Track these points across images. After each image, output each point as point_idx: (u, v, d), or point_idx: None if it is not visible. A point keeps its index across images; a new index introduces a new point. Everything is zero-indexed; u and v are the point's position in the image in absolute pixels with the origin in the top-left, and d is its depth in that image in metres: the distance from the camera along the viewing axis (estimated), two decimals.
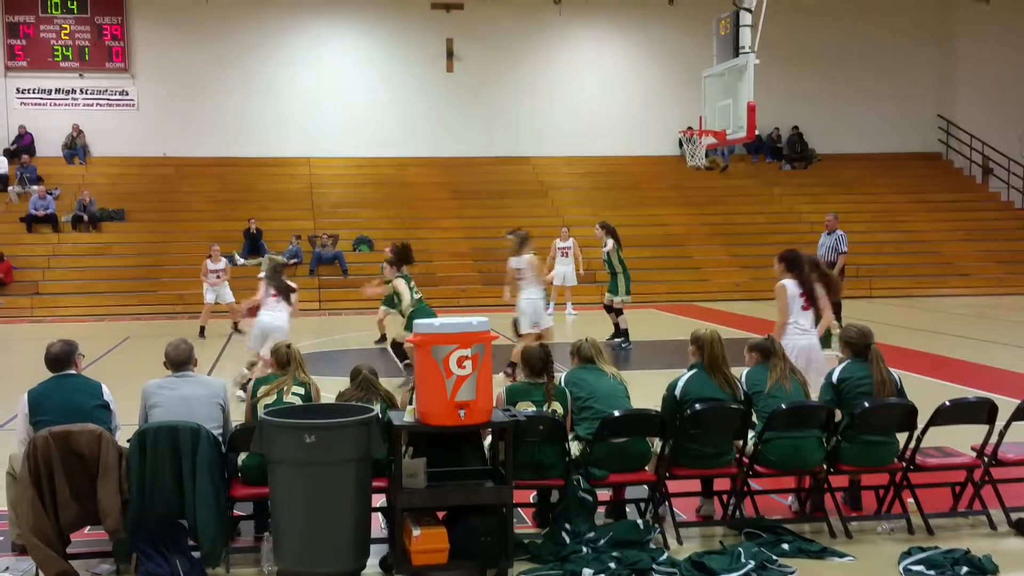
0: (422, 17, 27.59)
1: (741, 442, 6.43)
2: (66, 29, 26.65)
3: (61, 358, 6.07)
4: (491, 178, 27.21)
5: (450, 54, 27.94)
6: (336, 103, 27.40)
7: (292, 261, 22.12)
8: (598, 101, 28.48)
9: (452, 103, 27.88)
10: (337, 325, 18.07)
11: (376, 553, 5.73)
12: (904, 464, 6.49)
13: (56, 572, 5.46)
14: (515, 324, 12.22)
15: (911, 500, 6.51)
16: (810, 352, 7.82)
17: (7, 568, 5.81)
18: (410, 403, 5.87)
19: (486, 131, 27.86)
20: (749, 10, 12.44)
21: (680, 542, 6.10)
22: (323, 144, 27.22)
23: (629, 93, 28.71)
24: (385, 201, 25.97)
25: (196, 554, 5.66)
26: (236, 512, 6.22)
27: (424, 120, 27.78)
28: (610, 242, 15.16)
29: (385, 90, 27.79)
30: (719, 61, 13.11)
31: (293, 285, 11.60)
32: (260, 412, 5.93)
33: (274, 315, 11.05)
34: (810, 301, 7.98)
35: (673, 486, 6.41)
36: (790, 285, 7.95)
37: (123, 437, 5.88)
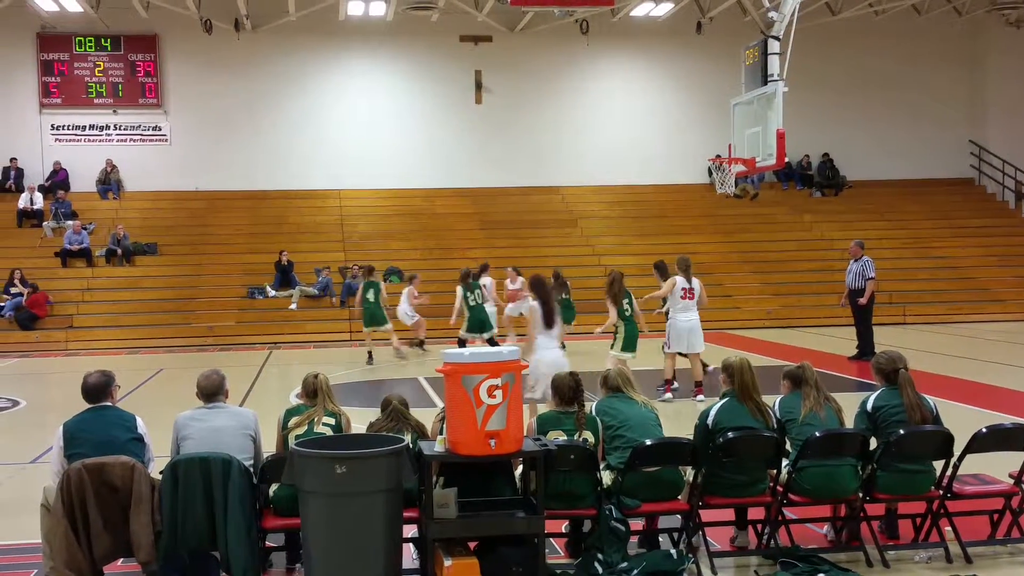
0: (451, 49, 27.81)
1: (775, 471, 6.36)
2: (100, 66, 27.07)
3: (98, 389, 6.11)
4: (520, 208, 27.29)
5: (479, 86, 28.12)
6: (366, 135, 27.62)
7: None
8: (627, 130, 28.54)
9: (481, 134, 28.03)
10: (379, 354, 18.06)
11: None
12: (941, 492, 6.40)
13: None
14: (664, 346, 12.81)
15: (948, 528, 6.42)
16: (557, 362, 9.08)
17: None
18: (440, 433, 5.86)
19: (515, 161, 27.97)
20: (777, 38, 12.48)
21: (714, 572, 6.04)
22: (353, 176, 27.42)
23: (658, 122, 28.75)
24: (414, 232, 26.09)
25: None
26: (268, 543, 6.22)
27: (453, 151, 27.95)
28: None
29: (414, 122, 28.00)
30: (747, 89, 13.15)
31: None
32: (291, 443, 5.95)
33: None
34: (551, 320, 9.59)
35: (706, 515, 6.35)
36: (536, 305, 9.56)
37: (156, 469, 5.92)
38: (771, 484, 6.36)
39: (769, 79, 12.36)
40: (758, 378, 6.46)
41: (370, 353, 17.23)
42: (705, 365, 12.81)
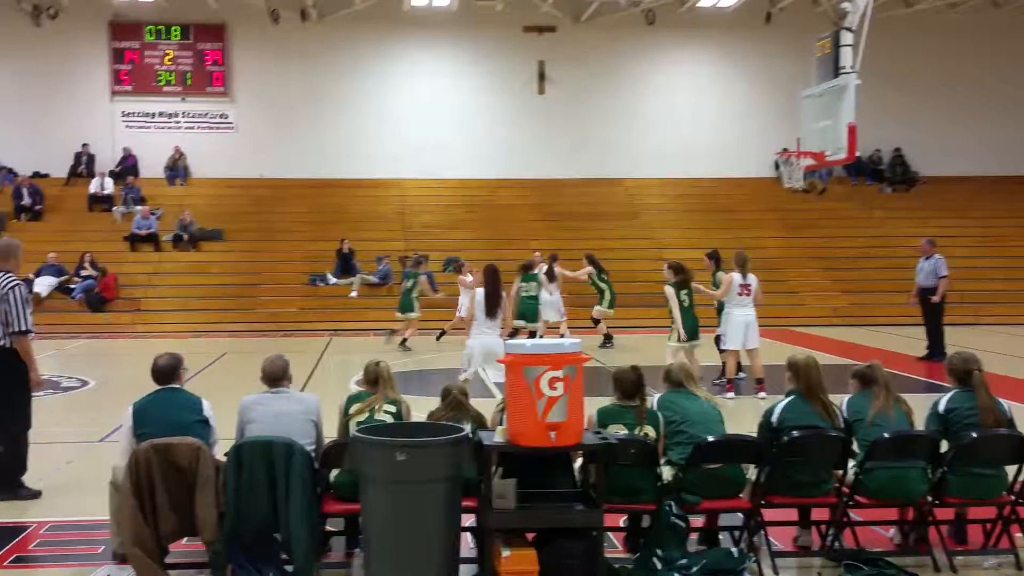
0: (514, 40, 27.77)
1: (841, 471, 6.24)
2: (169, 55, 27.52)
3: (168, 371, 6.24)
4: (582, 200, 27.18)
5: (542, 76, 28.06)
6: (428, 126, 27.73)
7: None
8: (692, 122, 28.29)
9: (543, 125, 27.98)
10: (426, 345, 18.16)
11: (465, 573, 5.71)
12: (1013, 497, 6.24)
13: None
14: (717, 340, 12.71)
15: (1020, 535, 6.27)
16: (488, 346, 10.03)
17: (108, 575, 5.94)
18: (500, 423, 5.84)
19: (577, 153, 27.87)
20: (851, 30, 12.23)
21: (776, 572, 5.94)
22: (415, 166, 27.54)
23: (724, 114, 28.44)
24: (475, 222, 26.13)
25: (289, 568, 5.71)
26: (328, 528, 6.26)
27: (515, 142, 27.93)
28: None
29: (477, 112, 28.03)
30: (818, 81, 12.92)
31: None
32: (352, 429, 5.99)
33: None
34: (493, 310, 10.15)
35: (769, 515, 6.25)
36: (479, 293, 10.19)
37: (221, 451, 5.99)
38: (837, 485, 6.24)
39: (841, 71, 12.12)
40: (824, 376, 6.34)
41: (404, 340, 17.89)
42: (739, 364, 12.64)
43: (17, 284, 7.66)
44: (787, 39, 26.14)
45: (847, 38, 12.14)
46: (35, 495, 7.68)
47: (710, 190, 28.00)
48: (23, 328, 7.59)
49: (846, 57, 12.18)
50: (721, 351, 12.70)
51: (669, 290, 12.17)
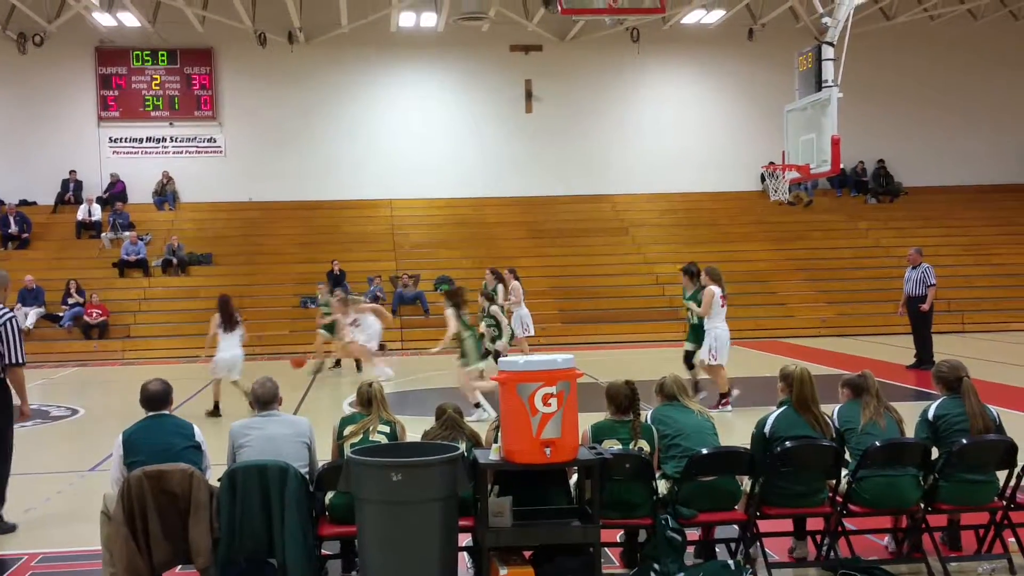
0: (501, 59, 27.91)
1: (834, 481, 6.27)
2: (157, 79, 27.55)
3: (158, 397, 6.22)
4: (571, 217, 27.27)
5: (529, 95, 28.18)
6: (416, 145, 27.80)
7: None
8: (678, 138, 28.45)
9: (531, 143, 28.09)
10: (419, 365, 18.16)
11: None
12: (1004, 503, 6.27)
13: None
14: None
15: (1012, 540, 6.29)
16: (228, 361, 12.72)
17: None
18: (495, 441, 5.84)
19: (565, 170, 27.98)
20: (831, 44, 12.34)
21: None
22: (404, 186, 27.61)
23: (709, 129, 28.61)
24: (465, 241, 26.17)
25: None
26: (324, 551, 6.24)
27: (503, 160, 28.02)
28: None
29: (465, 131, 28.12)
30: (801, 95, 13.01)
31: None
32: (347, 451, 5.98)
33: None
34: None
35: (764, 526, 6.27)
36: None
37: (214, 477, 5.97)
38: (830, 494, 6.26)
39: (823, 85, 12.22)
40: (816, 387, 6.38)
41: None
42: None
43: (12, 316, 7.68)
44: (770, 54, 26.33)
45: (828, 52, 12.24)
46: (11, 528, 7.62)
47: (697, 204, 28.13)
48: (18, 360, 7.62)
49: (828, 71, 12.28)
50: (703, 367, 12.41)
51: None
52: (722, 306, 12.25)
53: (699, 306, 12.34)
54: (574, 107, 28.19)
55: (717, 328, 12.15)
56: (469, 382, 12.33)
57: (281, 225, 26.75)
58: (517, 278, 17.91)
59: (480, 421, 11.23)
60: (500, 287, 16.51)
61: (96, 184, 27.17)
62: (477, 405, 12.08)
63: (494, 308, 13.67)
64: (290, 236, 26.31)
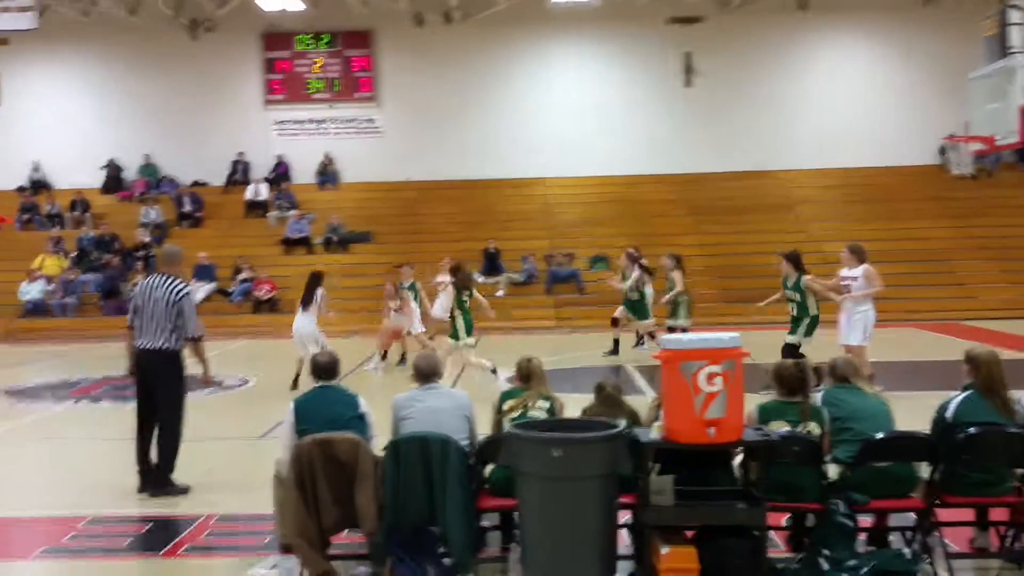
0: (659, 32, 27.47)
1: (1021, 470, 5.88)
2: (319, 63, 28.33)
3: (328, 368, 6.44)
4: (730, 194, 26.66)
5: (688, 68, 27.65)
6: (572, 122, 27.70)
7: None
8: (848, 109, 27.39)
9: (690, 118, 27.59)
10: (574, 342, 18.11)
11: (622, 570, 5.65)
12: None
13: (319, 572, 5.73)
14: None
15: None
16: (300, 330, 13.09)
17: (274, 565, 6.13)
18: (656, 420, 5.73)
19: (725, 145, 27.36)
20: (1018, 7, 11.55)
21: (951, 575, 5.65)
22: (559, 164, 27.57)
23: (882, 100, 27.38)
24: (620, 219, 25.95)
25: (447, 561, 5.74)
26: (483, 523, 6.28)
27: (661, 137, 27.62)
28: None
29: (621, 107, 27.83)
30: (986, 62, 12.24)
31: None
32: (506, 425, 5.98)
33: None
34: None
35: (943, 515, 5.96)
36: None
37: (378, 447, 6.08)
38: (1016, 484, 5.90)
39: (1009, 51, 11.47)
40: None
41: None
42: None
43: (189, 291, 8.07)
44: (949, 19, 25.03)
45: (1016, 16, 11.48)
46: (184, 491, 7.97)
47: (869, 179, 27.03)
48: (197, 334, 8.08)
49: (1015, 36, 11.52)
50: (850, 350, 11.25)
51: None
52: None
53: (801, 294, 11.62)
54: (736, 80, 27.49)
55: (868, 309, 11.50)
56: (466, 358, 12.87)
57: (438, 204, 27.14)
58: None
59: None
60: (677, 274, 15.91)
61: (263, 165, 28.20)
62: (494, 370, 12.84)
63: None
64: (447, 215, 26.65)
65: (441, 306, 15.42)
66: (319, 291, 13.46)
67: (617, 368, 14.90)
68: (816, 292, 11.62)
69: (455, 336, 12.78)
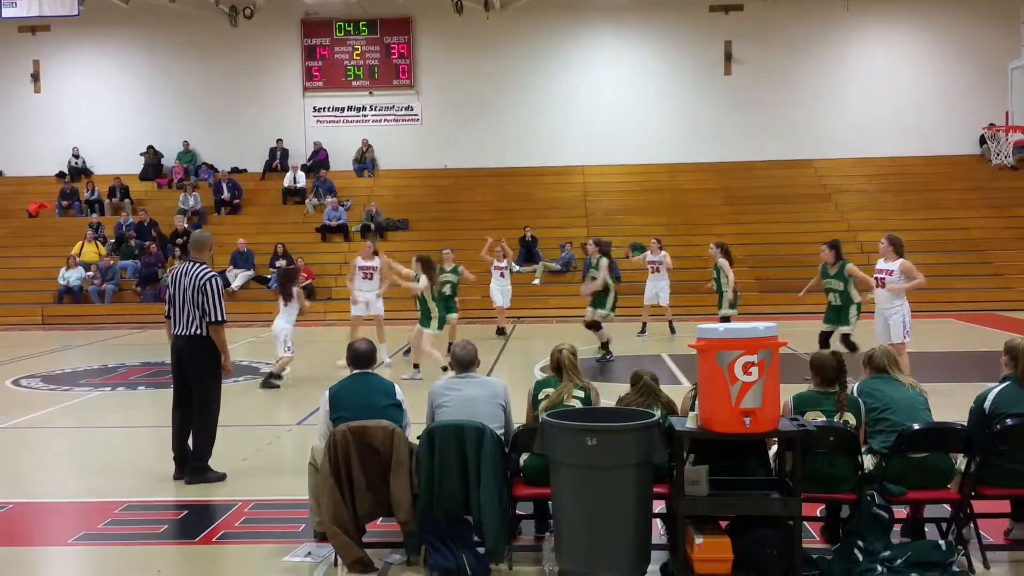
0: (699, 20, 27.31)
1: None
2: (358, 50, 28.44)
3: (365, 356, 6.45)
4: (768, 183, 26.48)
5: (728, 57, 27.46)
6: (610, 111, 27.62)
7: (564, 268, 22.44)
8: (888, 99, 27.10)
9: (729, 107, 27.41)
10: (611, 331, 18.03)
11: (656, 559, 5.64)
12: None
13: (353, 559, 5.76)
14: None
15: None
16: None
17: (309, 552, 6.18)
18: (692, 409, 5.72)
19: (764, 134, 27.18)
20: None
21: (987, 566, 5.64)
22: (597, 152, 27.51)
23: (922, 89, 27.05)
24: (658, 207, 25.85)
25: (481, 549, 5.78)
26: (517, 511, 6.30)
27: (699, 125, 27.48)
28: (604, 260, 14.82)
29: (660, 96, 27.71)
30: None
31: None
32: (541, 414, 5.99)
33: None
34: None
35: (980, 506, 5.91)
36: None
37: (413, 435, 6.11)
38: None
39: None
40: None
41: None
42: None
43: (213, 275, 8.05)
44: (990, 9, 24.61)
45: None
46: (221, 478, 8.00)
47: (908, 169, 26.75)
48: (219, 318, 7.97)
49: None
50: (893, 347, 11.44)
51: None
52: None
53: (844, 282, 11.48)
54: (775, 68, 27.29)
55: (902, 304, 11.13)
56: (423, 343, 12.81)
57: (475, 192, 27.17)
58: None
59: (414, 380, 12.25)
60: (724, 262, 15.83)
61: (301, 152, 28.38)
62: (416, 366, 12.98)
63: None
64: (484, 203, 26.68)
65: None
66: (295, 288, 13.20)
67: (656, 356, 14.86)
68: (859, 280, 11.52)
69: (426, 322, 12.94)
